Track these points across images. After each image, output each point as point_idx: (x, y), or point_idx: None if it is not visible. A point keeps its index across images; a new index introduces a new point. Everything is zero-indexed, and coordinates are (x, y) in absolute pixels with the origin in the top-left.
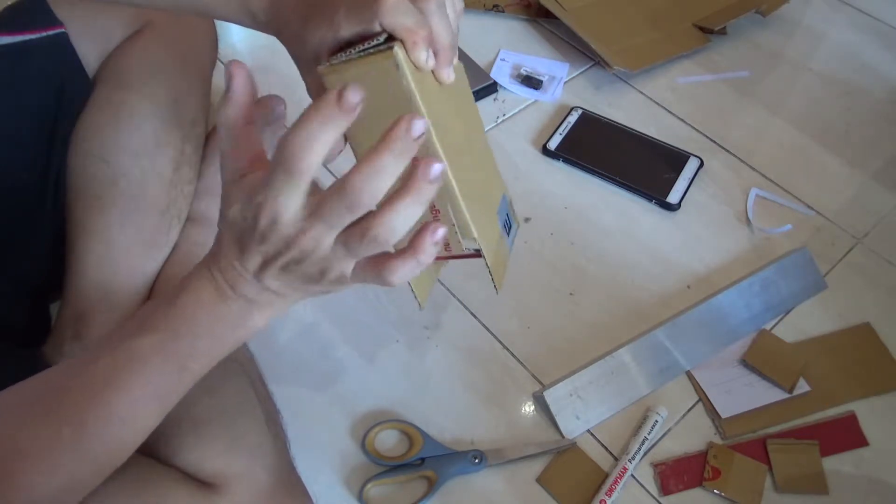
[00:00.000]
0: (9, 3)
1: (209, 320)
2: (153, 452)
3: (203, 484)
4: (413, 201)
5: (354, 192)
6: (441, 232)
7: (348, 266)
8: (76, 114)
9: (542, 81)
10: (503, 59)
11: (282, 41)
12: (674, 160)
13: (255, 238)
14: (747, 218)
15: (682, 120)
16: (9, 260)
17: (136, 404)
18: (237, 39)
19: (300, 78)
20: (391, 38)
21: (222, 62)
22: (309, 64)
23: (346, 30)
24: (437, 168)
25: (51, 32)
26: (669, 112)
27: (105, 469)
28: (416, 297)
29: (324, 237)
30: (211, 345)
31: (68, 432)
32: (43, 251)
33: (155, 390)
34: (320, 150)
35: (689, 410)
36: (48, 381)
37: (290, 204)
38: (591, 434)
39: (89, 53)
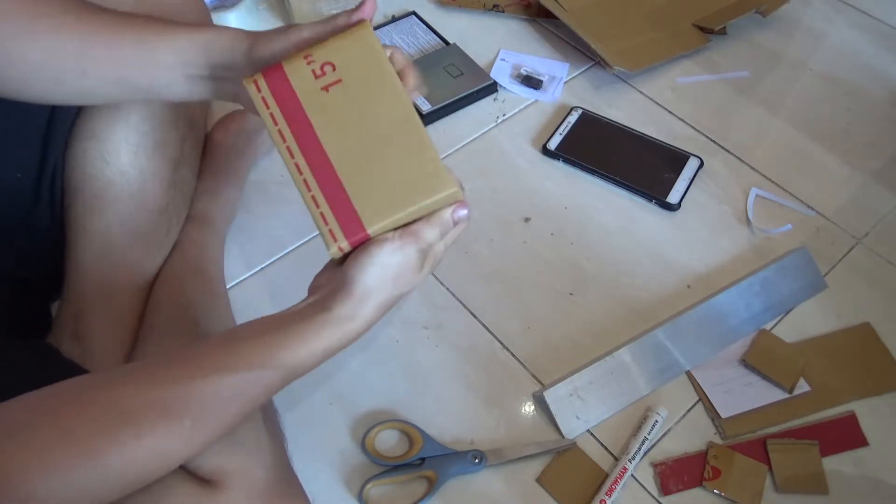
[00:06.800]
0: None
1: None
2: None
3: (201, 480)
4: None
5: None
6: None
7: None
8: (74, 113)
9: (542, 81)
10: (503, 59)
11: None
12: (674, 160)
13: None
14: (747, 218)
15: (682, 120)
16: (6, 259)
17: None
18: None
19: None
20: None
21: None
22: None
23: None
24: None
25: None
26: (669, 112)
27: (123, 484)
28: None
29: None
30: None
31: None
32: (41, 251)
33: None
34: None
35: (689, 410)
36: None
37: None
38: (591, 434)
39: None
